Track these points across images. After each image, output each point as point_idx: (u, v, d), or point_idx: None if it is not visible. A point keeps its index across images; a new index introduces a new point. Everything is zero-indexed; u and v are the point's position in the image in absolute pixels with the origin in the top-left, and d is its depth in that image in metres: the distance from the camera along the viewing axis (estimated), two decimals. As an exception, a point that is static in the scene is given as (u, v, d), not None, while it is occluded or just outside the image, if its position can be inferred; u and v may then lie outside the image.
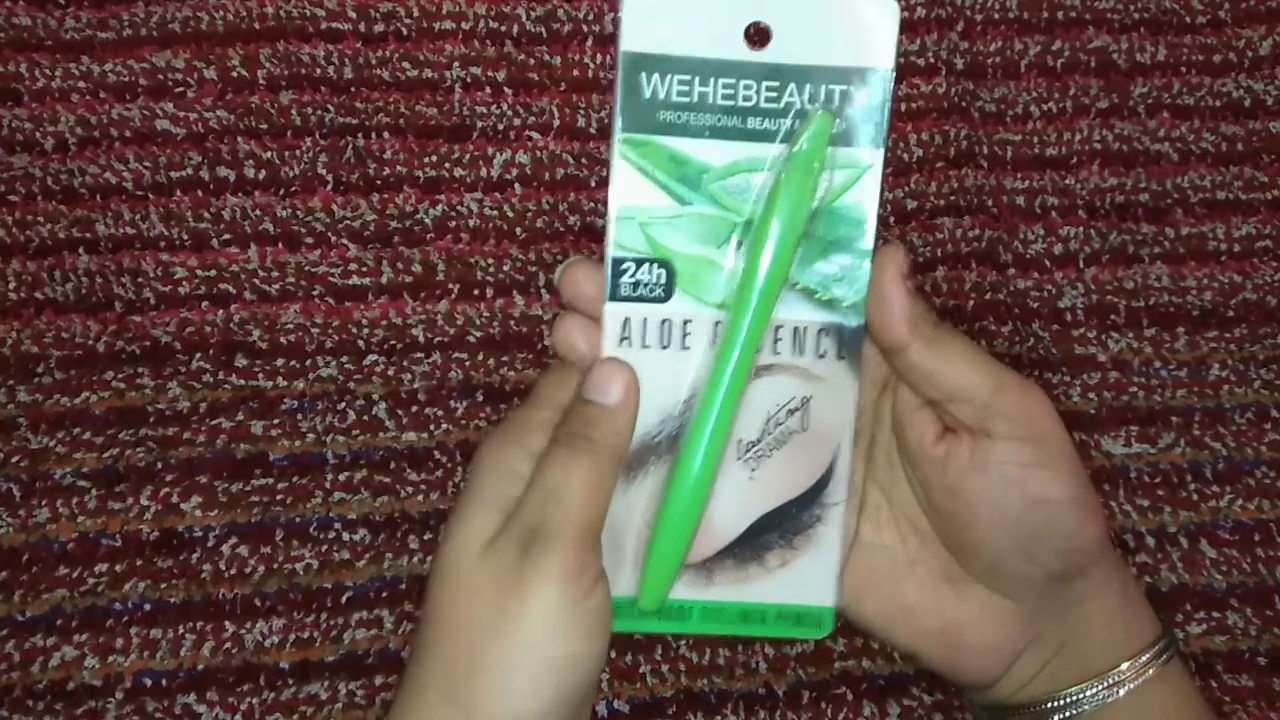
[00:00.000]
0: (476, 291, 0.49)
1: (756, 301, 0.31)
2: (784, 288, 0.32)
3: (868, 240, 0.32)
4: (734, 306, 0.32)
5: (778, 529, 0.33)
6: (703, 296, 0.32)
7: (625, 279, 0.32)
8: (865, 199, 0.32)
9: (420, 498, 0.46)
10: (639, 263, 0.32)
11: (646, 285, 0.32)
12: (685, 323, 0.32)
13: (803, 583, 0.33)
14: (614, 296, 0.31)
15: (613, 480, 0.31)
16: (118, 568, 0.45)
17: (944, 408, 0.31)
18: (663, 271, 0.32)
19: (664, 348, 0.32)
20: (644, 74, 0.31)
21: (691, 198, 0.31)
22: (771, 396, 0.32)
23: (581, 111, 0.51)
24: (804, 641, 0.34)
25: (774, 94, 0.31)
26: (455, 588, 0.29)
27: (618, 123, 0.31)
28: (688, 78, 0.31)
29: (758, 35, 0.31)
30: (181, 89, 0.50)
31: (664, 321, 0.32)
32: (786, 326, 0.32)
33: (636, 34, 0.30)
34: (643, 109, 0.31)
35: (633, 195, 0.31)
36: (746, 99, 0.31)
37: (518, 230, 0.49)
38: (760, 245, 0.31)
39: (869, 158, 0.31)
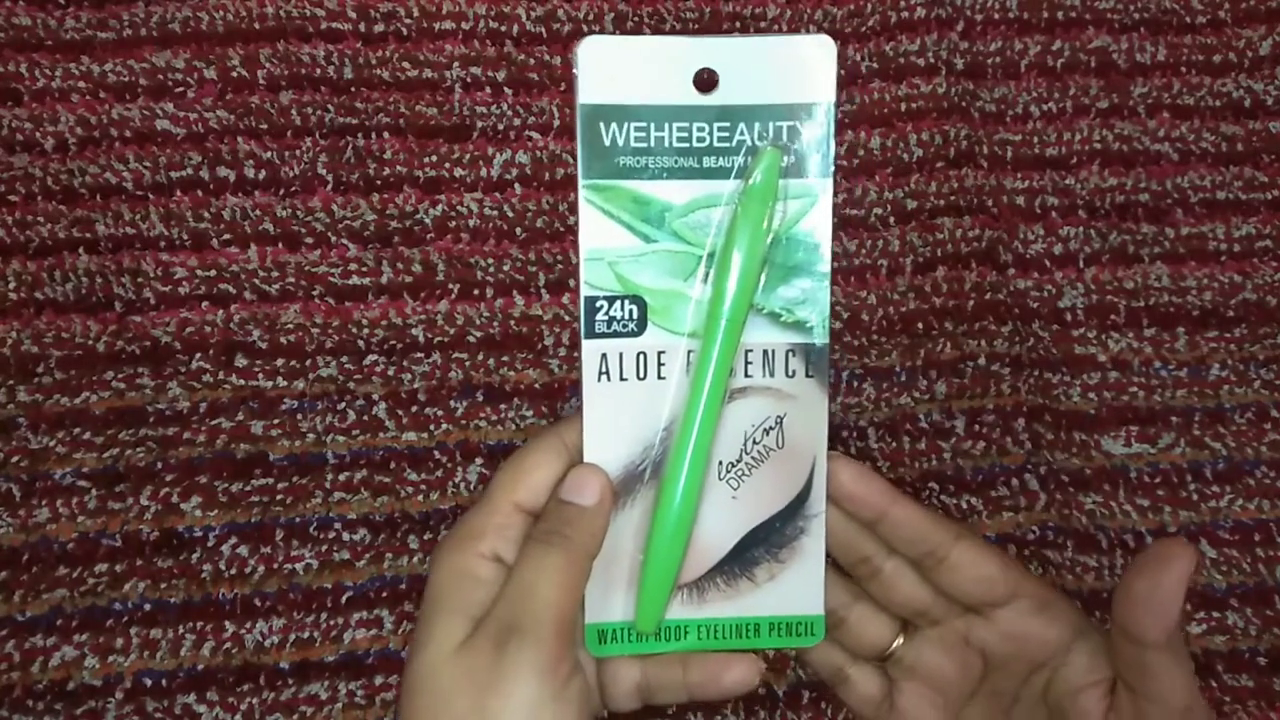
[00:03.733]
0: (476, 291, 0.49)
1: (725, 328, 0.33)
2: (750, 313, 0.33)
3: (824, 264, 0.33)
4: (704, 335, 0.33)
5: (764, 544, 0.34)
6: (674, 328, 0.33)
7: (599, 316, 0.33)
8: (819, 225, 0.33)
9: (420, 498, 0.46)
10: (611, 300, 0.33)
11: (620, 321, 0.33)
12: (659, 354, 0.33)
13: (792, 593, 0.34)
14: (590, 334, 0.33)
15: (586, 576, 0.32)
16: (118, 568, 0.45)
17: (1139, 698, 0.31)
18: (634, 307, 0.33)
19: (641, 379, 0.33)
20: (602, 123, 0.32)
21: (656, 235, 0.33)
22: (747, 417, 0.34)
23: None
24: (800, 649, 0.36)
25: (725, 134, 0.33)
26: (432, 694, 0.29)
27: (581, 170, 0.32)
28: (644, 124, 0.32)
29: (706, 80, 0.32)
30: (181, 89, 0.50)
31: (639, 354, 0.33)
32: (756, 350, 0.33)
33: (593, 87, 0.32)
34: (604, 156, 0.32)
35: (600, 237, 0.33)
36: (700, 140, 0.33)
37: (518, 230, 0.49)
38: (724, 275, 0.33)
39: (819, 186, 0.33)
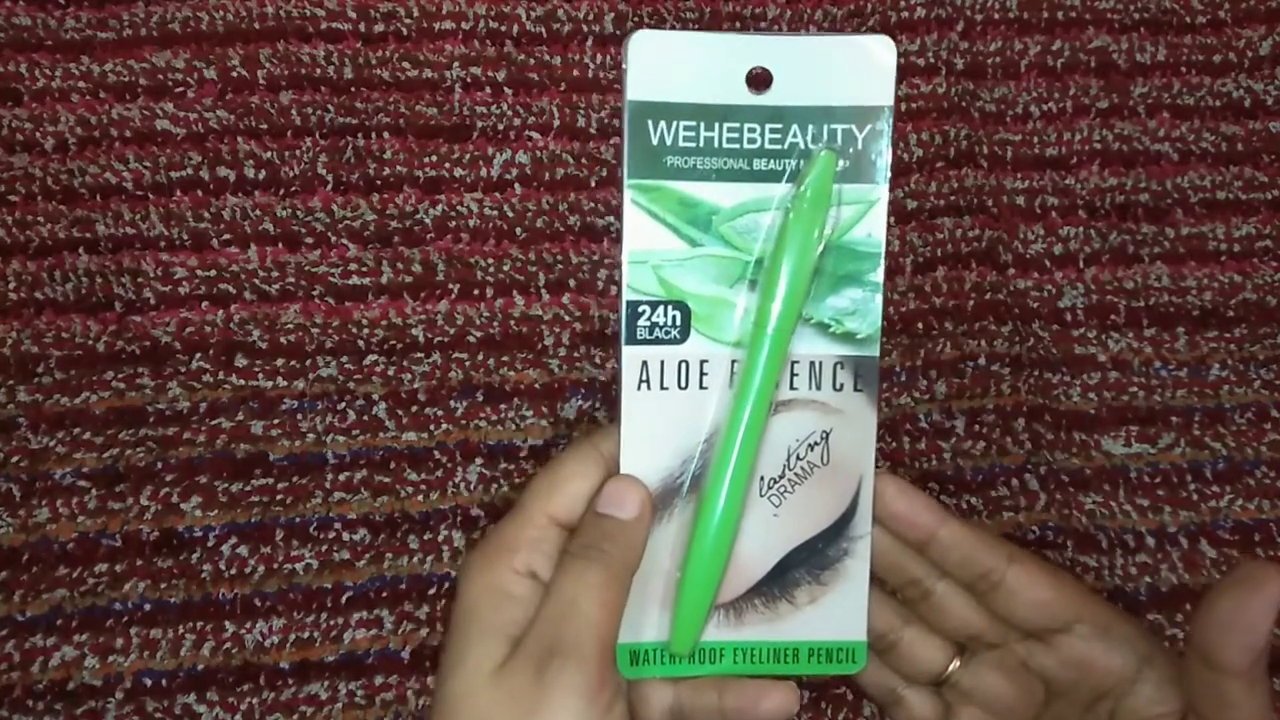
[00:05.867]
0: (476, 291, 0.49)
1: (771, 339, 0.31)
2: (799, 323, 0.32)
3: (878, 273, 0.32)
4: (750, 345, 0.32)
5: (805, 565, 0.33)
6: (718, 336, 0.32)
7: (641, 322, 0.32)
8: (874, 232, 0.32)
9: (420, 498, 0.46)
10: (654, 305, 0.32)
11: (662, 327, 0.32)
12: (702, 363, 0.32)
13: (833, 618, 0.33)
14: (630, 340, 0.32)
15: (626, 593, 0.30)
16: (118, 568, 0.45)
17: None
18: (678, 313, 0.32)
19: (682, 388, 0.32)
20: (650, 121, 0.31)
21: (702, 239, 0.32)
22: (791, 432, 0.32)
23: (581, 111, 0.51)
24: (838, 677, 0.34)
25: (778, 135, 0.32)
26: (470, 719, 0.28)
27: (626, 169, 0.31)
28: (693, 123, 0.31)
29: (759, 79, 0.31)
30: (181, 89, 0.50)
31: (681, 362, 0.32)
32: (803, 361, 0.32)
33: (641, 83, 0.31)
34: (650, 155, 0.31)
35: (644, 239, 0.32)
36: (751, 141, 0.31)
37: (518, 230, 0.49)
38: (773, 283, 0.31)
39: (874, 192, 0.32)
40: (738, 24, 0.52)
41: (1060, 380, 0.49)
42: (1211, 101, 0.53)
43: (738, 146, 0.31)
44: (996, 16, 0.53)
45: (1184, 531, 0.47)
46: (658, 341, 0.32)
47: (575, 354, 0.48)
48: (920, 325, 0.49)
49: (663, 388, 0.32)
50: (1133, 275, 0.51)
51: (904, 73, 0.52)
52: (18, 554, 0.45)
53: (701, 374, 0.32)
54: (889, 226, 0.50)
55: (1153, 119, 0.53)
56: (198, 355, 0.47)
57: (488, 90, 0.51)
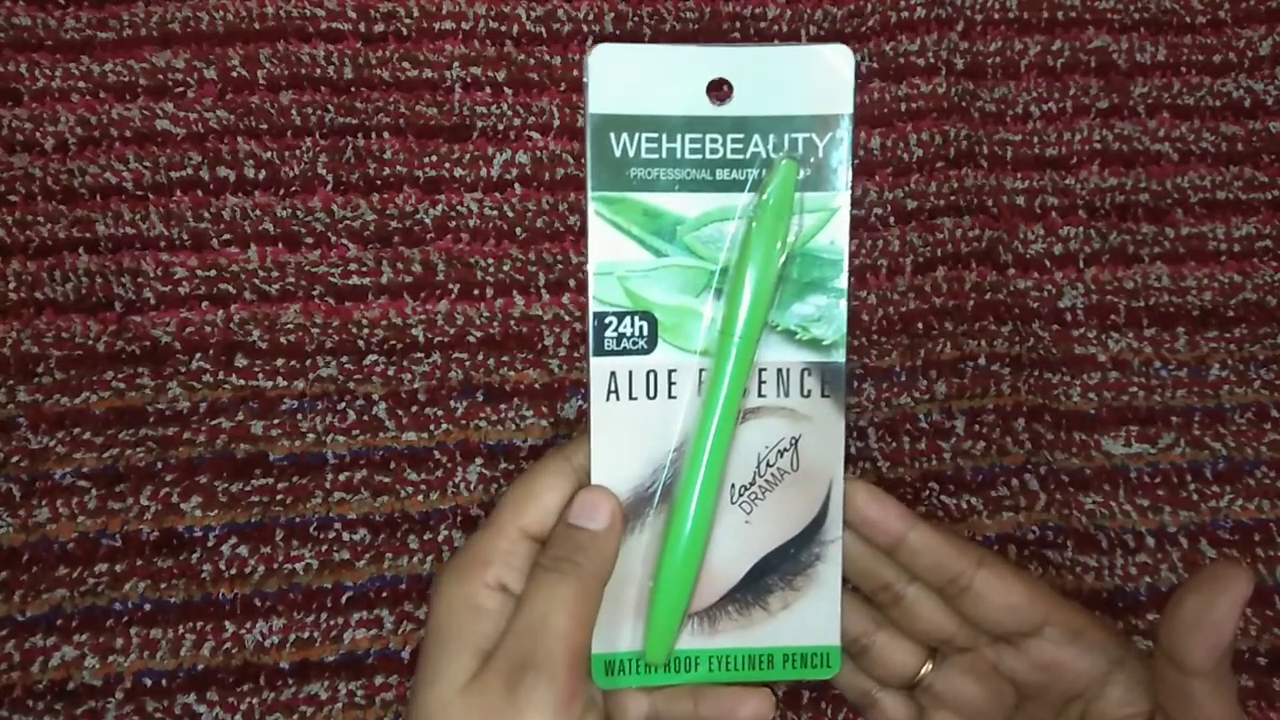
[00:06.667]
0: (476, 291, 0.49)
1: (738, 347, 0.32)
2: (764, 331, 0.32)
3: (842, 280, 0.33)
4: (717, 353, 0.32)
5: (778, 571, 0.33)
6: (685, 345, 0.32)
7: (608, 333, 0.32)
8: (837, 239, 0.32)
9: (420, 498, 0.46)
10: (621, 316, 0.32)
11: (629, 338, 0.32)
12: (670, 372, 0.32)
13: (807, 623, 0.33)
14: (598, 351, 0.32)
15: (598, 605, 0.30)
16: (118, 568, 0.45)
17: None
18: (644, 324, 0.32)
19: (651, 398, 0.32)
20: (613, 134, 0.32)
21: (667, 250, 0.32)
22: (761, 439, 0.33)
23: (581, 111, 0.51)
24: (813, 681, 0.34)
25: (740, 145, 0.32)
26: None
27: (590, 182, 0.32)
28: (655, 135, 0.32)
29: (720, 90, 0.32)
30: (181, 89, 0.50)
31: (649, 372, 0.32)
32: (770, 369, 0.33)
33: (603, 96, 0.31)
34: (614, 167, 0.32)
35: (610, 251, 0.32)
36: (714, 152, 0.32)
37: (518, 230, 0.49)
38: (738, 292, 0.32)
39: (835, 200, 0.32)
40: (738, 24, 0.52)
41: (1060, 380, 0.49)
42: (1211, 101, 0.53)
43: (700, 157, 0.32)
44: (996, 16, 0.53)
45: (1184, 531, 0.47)
46: (625, 352, 0.32)
47: (575, 354, 0.48)
48: (920, 325, 0.49)
49: (631, 398, 0.32)
50: (1133, 275, 0.51)
51: (904, 73, 0.52)
52: (18, 554, 0.45)
53: (670, 383, 0.32)
54: (889, 226, 0.50)
55: (1153, 119, 0.53)
56: (198, 355, 0.47)
57: (488, 90, 0.51)
